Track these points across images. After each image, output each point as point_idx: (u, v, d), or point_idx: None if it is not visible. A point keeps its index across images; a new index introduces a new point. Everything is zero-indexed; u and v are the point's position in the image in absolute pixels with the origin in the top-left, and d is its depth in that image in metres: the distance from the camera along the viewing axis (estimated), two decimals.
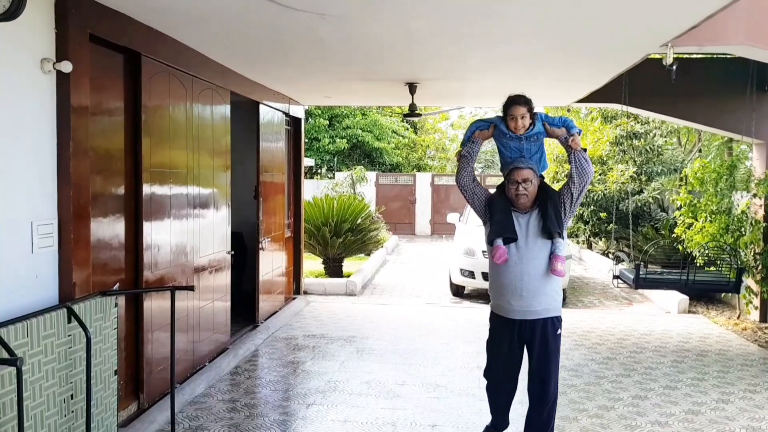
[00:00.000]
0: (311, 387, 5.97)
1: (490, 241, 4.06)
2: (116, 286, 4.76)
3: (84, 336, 3.83)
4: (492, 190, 4.30)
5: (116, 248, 4.86)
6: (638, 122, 15.40)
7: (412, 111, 8.48)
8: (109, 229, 4.76)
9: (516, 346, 4.13)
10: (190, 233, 5.93)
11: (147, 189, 5.13)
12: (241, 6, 4.40)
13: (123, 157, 4.94)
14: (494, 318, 4.22)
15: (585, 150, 4.02)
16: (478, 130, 4.17)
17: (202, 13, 4.66)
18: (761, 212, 8.94)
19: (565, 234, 4.07)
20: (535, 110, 4.06)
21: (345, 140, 24.09)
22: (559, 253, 3.95)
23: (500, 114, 4.15)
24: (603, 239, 15.73)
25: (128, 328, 5.00)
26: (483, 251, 10.25)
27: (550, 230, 3.94)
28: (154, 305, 5.27)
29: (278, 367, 6.66)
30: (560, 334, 4.12)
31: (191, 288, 5.05)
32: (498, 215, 4.06)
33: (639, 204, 13.94)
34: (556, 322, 4.09)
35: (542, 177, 4.18)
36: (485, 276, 9.83)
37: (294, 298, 9.83)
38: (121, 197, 4.93)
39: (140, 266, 5.08)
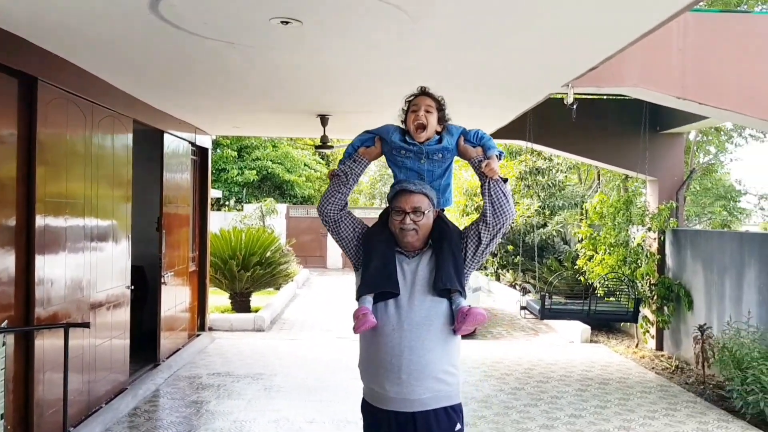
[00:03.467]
0: (216, 428, 5.73)
1: (359, 297, 2.84)
2: (4, 324, 4.42)
3: None
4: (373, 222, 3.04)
5: (5, 283, 4.52)
6: (541, 158, 16.02)
7: (324, 143, 8.47)
8: None
9: None
10: (86, 267, 5.62)
11: (40, 220, 4.83)
12: (145, 31, 4.26)
13: (15, 187, 4.64)
14: (366, 409, 2.89)
15: (506, 180, 2.89)
16: (363, 145, 3.00)
17: (104, 38, 4.48)
18: (655, 245, 9.43)
19: (466, 288, 2.87)
20: (450, 121, 2.96)
21: (254, 172, 23.76)
22: (462, 305, 2.73)
23: (396, 123, 3.00)
24: (510, 271, 16.14)
25: (17, 368, 4.64)
26: None
27: (445, 286, 2.73)
28: (47, 343, 4.93)
29: (181, 407, 6.36)
30: (461, 430, 2.82)
31: (87, 325, 4.78)
32: (375, 259, 2.83)
33: (543, 237, 14.42)
34: (452, 413, 2.78)
35: (441, 211, 3.00)
36: None
37: (198, 335, 9.48)
38: (12, 229, 4.61)
39: (32, 302, 4.74)
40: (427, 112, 2.84)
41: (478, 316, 2.66)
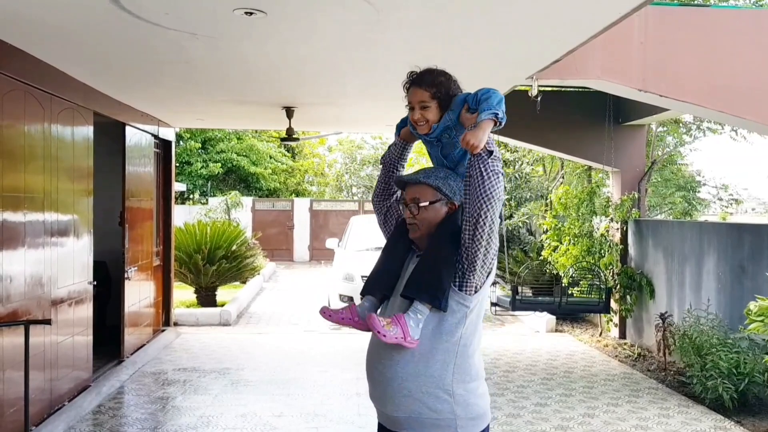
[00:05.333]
0: (182, 423, 5.67)
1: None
2: None
3: None
4: None
5: None
6: (507, 150, 16.14)
7: (290, 135, 8.42)
8: None
9: None
10: (47, 263, 5.50)
11: None
12: (105, 21, 4.16)
13: None
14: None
15: (490, 153, 2.29)
16: (405, 125, 2.68)
17: (62, 28, 4.37)
18: (618, 235, 9.59)
19: (452, 297, 2.35)
20: (457, 93, 2.55)
21: (219, 164, 23.47)
22: (400, 312, 2.34)
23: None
24: None
25: None
26: (362, 276, 10.26)
27: (404, 293, 2.39)
28: (6, 341, 4.81)
29: (146, 403, 6.28)
30: None
31: (48, 322, 4.68)
32: (380, 257, 2.58)
33: (509, 228, 14.55)
34: None
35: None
36: None
37: (163, 330, 9.37)
38: None
39: None
40: (423, 108, 2.47)
41: (370, 320, 2.30)
